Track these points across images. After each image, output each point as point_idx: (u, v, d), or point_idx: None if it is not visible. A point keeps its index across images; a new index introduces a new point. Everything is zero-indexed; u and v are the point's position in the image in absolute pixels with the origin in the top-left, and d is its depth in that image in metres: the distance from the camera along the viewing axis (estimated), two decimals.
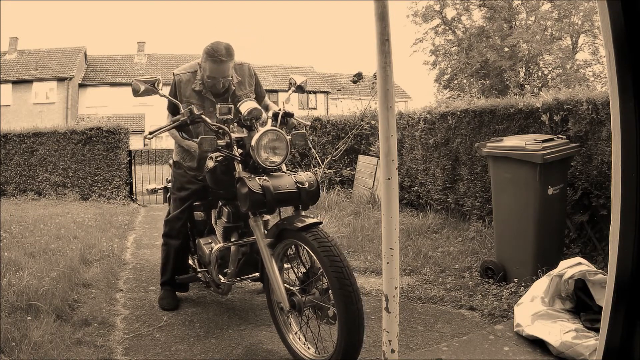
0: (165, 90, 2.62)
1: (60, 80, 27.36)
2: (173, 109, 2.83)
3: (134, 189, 8.60)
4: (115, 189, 8.26)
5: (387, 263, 1.54)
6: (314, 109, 24.19)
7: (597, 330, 2.23)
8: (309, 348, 2.31)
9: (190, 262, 3.22)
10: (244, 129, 2.52)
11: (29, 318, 2.65)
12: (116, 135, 8.30)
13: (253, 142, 2.35)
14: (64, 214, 6.44)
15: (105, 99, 28.63)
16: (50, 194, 8.29)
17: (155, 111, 25.84)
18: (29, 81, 27.31)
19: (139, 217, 6.79)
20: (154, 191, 3.81)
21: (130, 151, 8.62)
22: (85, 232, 5.13)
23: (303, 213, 2.35)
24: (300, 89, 2.81)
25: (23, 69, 27.73)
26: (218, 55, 2.71)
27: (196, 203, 3.00)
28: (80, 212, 6.62)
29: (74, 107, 27.54)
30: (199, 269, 3.00)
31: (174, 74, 2.92)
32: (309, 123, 3.47)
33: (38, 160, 8.49)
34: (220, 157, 2.54)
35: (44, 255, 4.07)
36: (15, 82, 27.16)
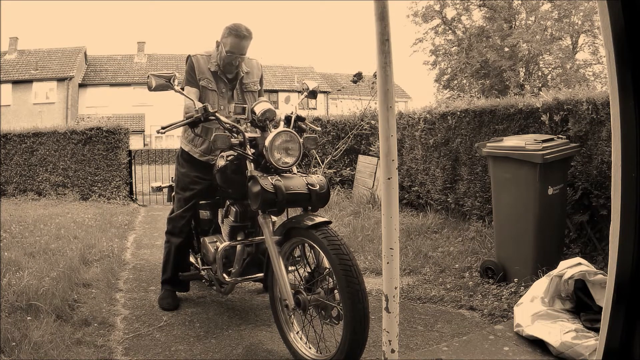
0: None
1: (60, 80, 27.37)
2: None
3: (134, 189, 8.60)
4: (115, 189, 8.26)
5: (387, 263, 1.54)
6: (314, 109, 24.16)
7: (597, 330, 2.23)
8: (310, 348, 2.32)
9: (192, 260, 3.22)
10: (257, 129, 2.53)
11: (29, 318, 2.65)
12: (116, 135, 8.30)
13: (267, 142, 2.37)
14: (64, 214, 6.43)
15: (105, 99, 28.65)
16: (50, 194, 8.28)
17: (155, 111, 25.89)
18: (29, 81, 27.31)
19: (139, 217, 6.78)
20: (159, 189, 3.80)
21: (130, 151, 8.61)
22: (85, 232, 5.13)
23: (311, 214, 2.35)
24: (312, 94, 2.84)
25: (23, 69, 27.73)
26: (240, 31, 2.85)
27: (202, 202, 3.01)
28: (80, 212, 6.62)
29: (74, 107, 27.55)
30: (201, 267, 3.01)
31: (190, 56, 3.00)
32: (319, 128, 3.49)
33: (38, 160, 8.48)
34: (232, 157, 2.56)
35: (44, 255, 4.07)
36: (15, 82, 27.17)
